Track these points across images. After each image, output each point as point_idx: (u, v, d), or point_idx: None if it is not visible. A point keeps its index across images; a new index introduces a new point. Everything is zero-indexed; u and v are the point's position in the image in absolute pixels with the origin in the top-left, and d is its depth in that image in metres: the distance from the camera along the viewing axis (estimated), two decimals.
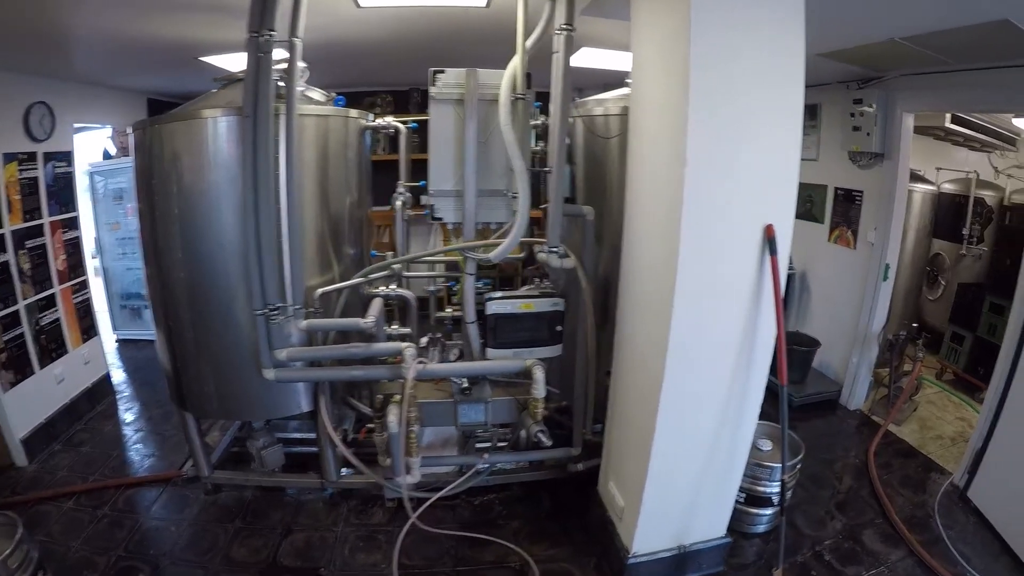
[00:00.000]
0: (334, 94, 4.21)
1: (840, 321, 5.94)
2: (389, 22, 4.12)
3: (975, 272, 7.06)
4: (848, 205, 5.74)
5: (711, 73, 2.49)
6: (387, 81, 7.53)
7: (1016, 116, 5.57)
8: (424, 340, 4.45)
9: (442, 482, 4.03)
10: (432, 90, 3.75)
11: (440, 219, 3.95)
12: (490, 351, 3.83)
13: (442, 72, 3.74)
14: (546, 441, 3.78)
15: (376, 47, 4.99)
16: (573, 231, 3.94)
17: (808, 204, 6.26)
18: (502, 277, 7.41)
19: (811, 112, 6.07)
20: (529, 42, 3.53)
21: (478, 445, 4.25)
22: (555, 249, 3.52)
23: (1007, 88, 4.11)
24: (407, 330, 4.38)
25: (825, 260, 6.14)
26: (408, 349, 3.47)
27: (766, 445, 3.96)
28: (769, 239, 2.75)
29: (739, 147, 2.64)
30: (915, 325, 6.68)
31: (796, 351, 5.84)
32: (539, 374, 3.52)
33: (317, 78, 4.04)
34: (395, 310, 4.81)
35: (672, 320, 2.75)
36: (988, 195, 6.98)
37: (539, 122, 3.95)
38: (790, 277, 6.35)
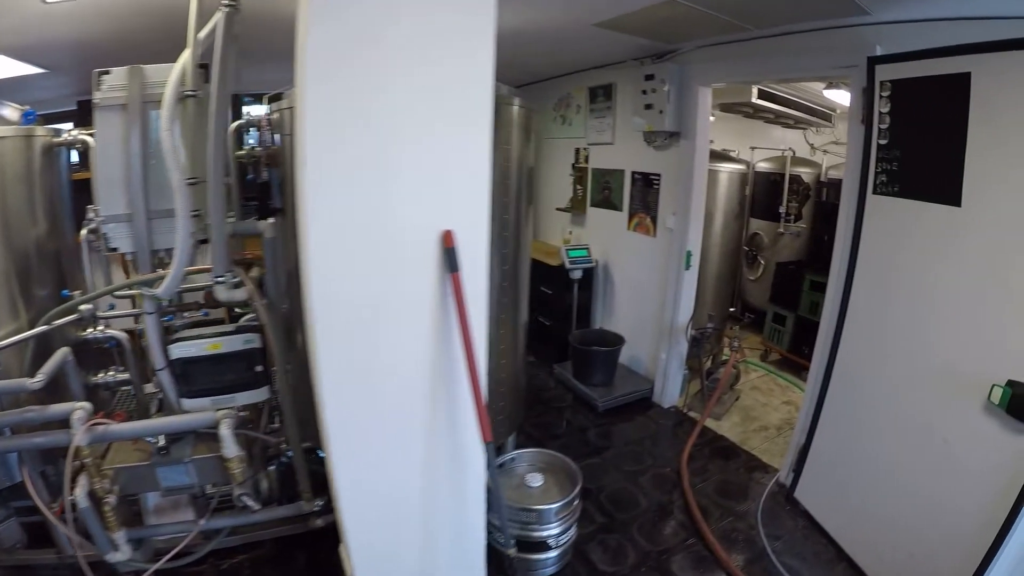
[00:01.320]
0: (27, 107, 3.36)
1: (645, 314, 5.45)
2: (90, 18, 3.49)
3: (795, 250, 6.85)
4: (646, 190, 5.24)
5: (331, 33, 1.74)
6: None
7: (827, 87, 5.20)
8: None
9: (184, 547, 3.23)
10: (96, 96, 2.91)
11: (116, 248, 3.09)
12: (185, 402, 3.04)
13: (107, 73, 2.90)
14: (252, 505, 3.02)
15: (81, 48, 4.08)
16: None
17: (606, 191, 5.74)
18: None
19: (606, 93, 5.55)
20: (203, 32, 2.74)
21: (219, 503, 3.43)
22: (221, 278, 2.71)
23: (804, 53, 3.71)
24: (125, 376, 3.53)
25: (626, 250, 5.63)
26: (77, 412, 2.63)
27: (535, 480, 3.32)
28: (448, 249, 2.04)
29: (395, 138, 1.90)
30: (732, 309, 6.36)
31: (598, 352, 5.31)
32: (225, 430, 2.74)
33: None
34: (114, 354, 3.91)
35: (319, 355, 1.99)
36: (805, 172, 6.76)
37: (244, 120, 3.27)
38: (589, 271, 5.82)
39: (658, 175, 5.08)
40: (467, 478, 2.45)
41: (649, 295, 5.36)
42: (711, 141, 6.09)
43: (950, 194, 2.77)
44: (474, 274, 2.11)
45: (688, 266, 4.89)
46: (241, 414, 2.98)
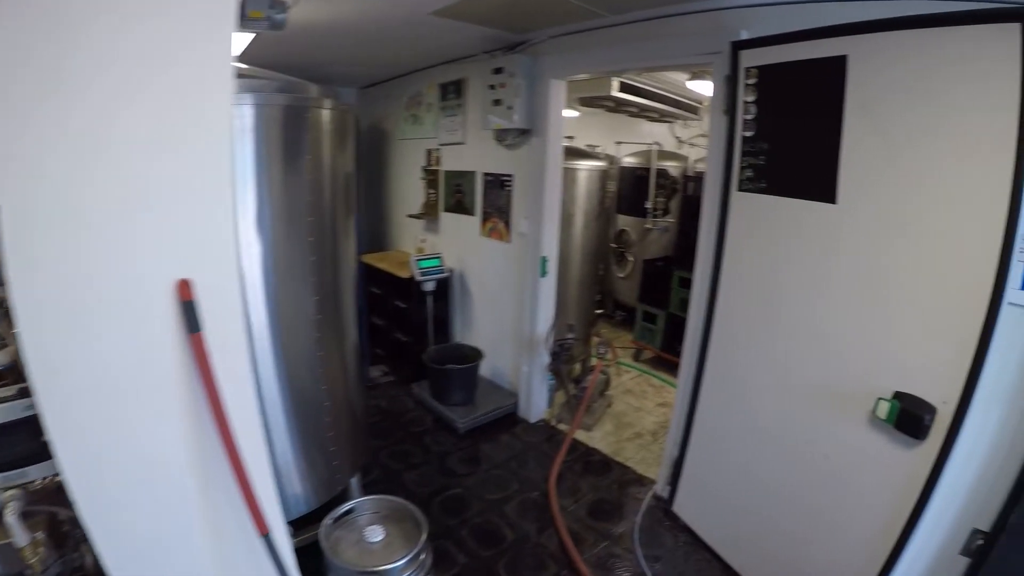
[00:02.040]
0: None
1: (504, 325, 5.05)
2: None
3: (663, 246, 6.70)
4: (498, 193, 4.85)
5: None
6: None
7: (691, 78, 4.98)
8: None
9: None
10: None
11: None
12: None
13: None
14: None
15: None
16: None
17: (459, 195, 5.30)
18: None
19: (457, 89, 5.11)
20: None
21: None
22: None
23: (664, 40, 3.42)
24: None
25: (481, 257, 5.21)
26: None
27: (376, 534, 2.82)
28: (186, 303, 1.50)
29: (93, 160, 1.35)
30: (599, 312, 6.12)
31: (454, 370, 4.86)
32: (10, 516, 2.11)
33: None
34: None
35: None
36: (672, 166, 6.62)
37: None
38: (444, 282, 5.38)
39: (510, 176, 4.70)
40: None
41: (507, 305, 4.97)
42: (571, 138, 5.83)
43: (824, 190, 2.51)
44: (226, 329, 1.59)
45: (544, 273, 4.53)
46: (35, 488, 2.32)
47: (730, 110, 3.00)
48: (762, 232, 2.90)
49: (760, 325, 2.96)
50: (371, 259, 5.97)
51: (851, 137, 2.40)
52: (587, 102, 5.64)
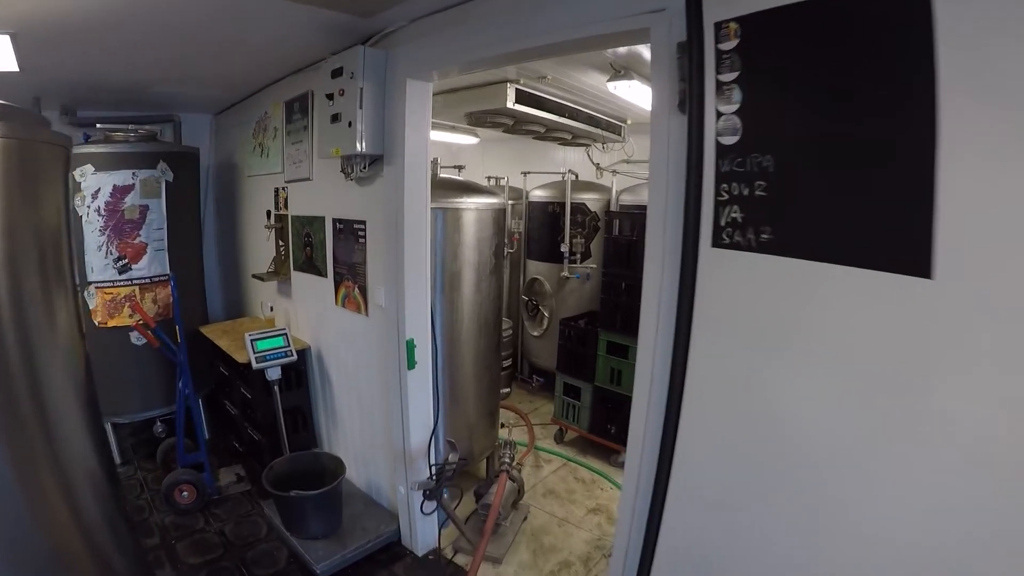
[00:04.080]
0: None
1: (375, 426, 3.54)
2: None
3: (585, 297, 5.34)
4: (351, 245, 3.38)
5: None
6: None
7: (613, 78, 3.56)
8: None
9: None
10: None
11: None
12: None
13: None
14: None
15: None
16: None
17: (308, 248, 3.82)
18: None
19: (302, 107, 3.68)
20: None
21: None
22: None
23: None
24: None
25: (338, 334, 3.72)
26: None
27: None
28: None
29: None
30: (505, 390, 4.68)
31: (305, 499, 3.29)
32: None
33: None
34: None
35: None
36: (591, 199, 5.28)
37: None
38: (297, 366, 3.86)
39: (362, 223, 3.25)
40: None
41: (374, 400, 3.47)
42: (459, 168, 4.43)
43: (903, 249, 1.24)
44: None
45: (412, 364, 3.06)
46: None
47: (691, 102, 1.64)
48: (769, 332, 1.57)
49: (768, 496, 1.63)
50: (211, 332, 4.42)
51: (957, 136, 1.05)
52: (479, 120, 4.23)
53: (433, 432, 3.25)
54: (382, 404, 3.34)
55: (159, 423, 4.38)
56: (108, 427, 4.26)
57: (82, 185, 3.85)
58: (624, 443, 4.14)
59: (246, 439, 4.31)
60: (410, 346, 2.97)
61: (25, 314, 1.80)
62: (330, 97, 3.02)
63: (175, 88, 4.18)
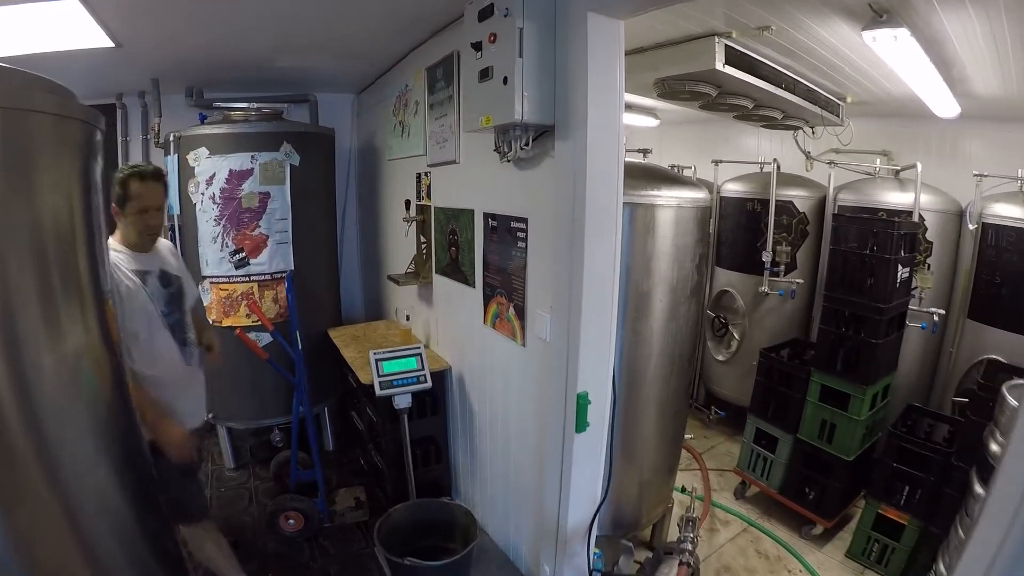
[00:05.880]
0: None
1: (523, 475, 2.63)
2: None
3: (787, 319, 4.20)
4: (508, 249, 2.46)
5: None
6: None
7: (871, 26, 2.41)
8: None
9: None
10: None
11: None
12: None
13: None
14: None
15: None
16: None
17: (452, 248, 2.97)
18: None
19: (447, 73, 2.85)
20: None
21: None
22: None
23: None
24: None
25: (485, 359, 2.81)
26: None
27: None
28: None
29: None
30: (689, 436, 3.62)
31: (420, 570, 2.48)
32: None
33: None
34: None
35: None
36: (799, 196, 4.13)
37: None
38: (433, 392, 2.98)
39: (523, 221, 2.35)
40: None
41: (524, 455, 2.57)
42: (645, 152, 3.44)
43: None
44: None
45: (583, 427, 2.09)
46: None
47: None
48: None
49: None
50: (340, 337, 3.73)
51: None
52: (672, 91, 3.18)
53: (598, 510, 2.30)
54: (535, 464, 2.43)
55: (277, 431, 3.82)
56: (223, 431, 3.78)
57: (196, 170, 3.28)
58: (824, 515, 3.04)
59: (370, 462, 3.62)
60: (582, 402, 2.02)
61: (13, 327, 1.15)
62: (477, 47, 2.13)
63: (303, 61, 3.51)
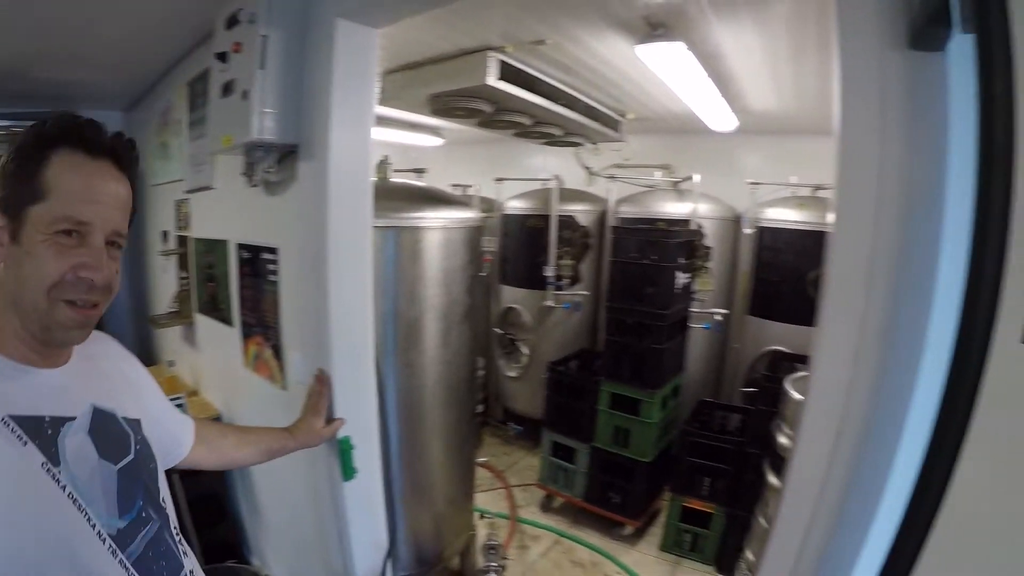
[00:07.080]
0: None
1: (306, 541, 2.33)
2: None
3: (575, 332, 4.24)
4: (259, 284, 2.21)
5: None
6: None
7: (645, 40, 2.40)
8: None
9: None
10: None
11: None
12: None
13: None
14: None
15: None
16: None
17: (210, 284, 2.64)
18: None
19: (205, 88, 2.51)
20: None
21: None
22: None
23: None
24: None
25: (251, 405, 2.53)
26: None
27: None
28: None
29: None
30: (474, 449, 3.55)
31: None
32: None
33: None
34: None
35: None
36: (581, 210, 4.20)
37: None
38: None
39: (273, 251, 2.09)
40: None
41: (299, 510, 2.30)
42: (420, 172, 3.31)
43: None
44: None
45: (350, 475, 1.85)
46: None
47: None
48: None
49: None
50: None
51: None
52: (447, 108, 3.07)
53: (387, 555, 2.09)
54: (314, 516, 2.17)
55: None
56: None
57: None
58: (631, 516, 3.08)
59: None
60: (345, 447, 1.80)
61: None
62: (222, 58, 1.88)
63: (64, 73, 2.98)
